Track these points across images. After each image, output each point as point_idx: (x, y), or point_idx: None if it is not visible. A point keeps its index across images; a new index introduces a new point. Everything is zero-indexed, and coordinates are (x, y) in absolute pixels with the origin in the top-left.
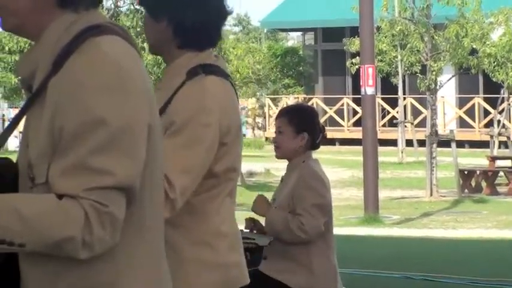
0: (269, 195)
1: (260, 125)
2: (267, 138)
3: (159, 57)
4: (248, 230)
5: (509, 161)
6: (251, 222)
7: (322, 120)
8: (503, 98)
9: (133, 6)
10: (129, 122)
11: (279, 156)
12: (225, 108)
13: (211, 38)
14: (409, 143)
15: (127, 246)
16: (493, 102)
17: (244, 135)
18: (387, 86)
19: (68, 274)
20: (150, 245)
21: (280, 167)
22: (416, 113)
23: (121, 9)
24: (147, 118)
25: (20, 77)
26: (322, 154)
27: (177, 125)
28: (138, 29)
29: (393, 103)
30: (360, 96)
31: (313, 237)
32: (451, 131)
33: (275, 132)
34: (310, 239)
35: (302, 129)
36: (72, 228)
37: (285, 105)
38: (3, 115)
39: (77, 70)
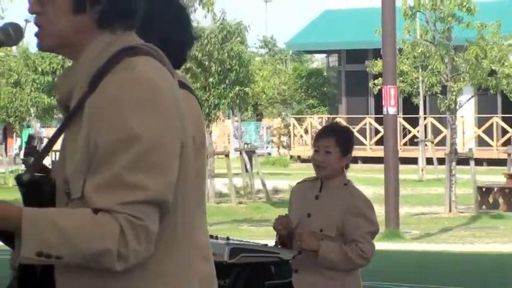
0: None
1: (285, 143)
2: (291, 157)
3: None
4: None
5: None
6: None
7: None
8: None
9: None
10: (163, 138)
11: (323, 175)
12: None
13: None
14: (429, 161)
15: (158, 258)
16: (511, 122)
17: (269, 153)
18: (408, 106)
19: (103, 286)
20: (180, 257)
21: None
22: (436, 132)
23: None
24: (180, 135)
25: (57, 98)
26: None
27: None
28: None
29: (414, 122)
30: (382, 116)
31: (370, 262)
32: (470, 149)
33: (316, 150)
34: (368, 264)
35: (348, 151)
36: (108, 241)
37: (309, 125)
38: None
39: (112, 88)
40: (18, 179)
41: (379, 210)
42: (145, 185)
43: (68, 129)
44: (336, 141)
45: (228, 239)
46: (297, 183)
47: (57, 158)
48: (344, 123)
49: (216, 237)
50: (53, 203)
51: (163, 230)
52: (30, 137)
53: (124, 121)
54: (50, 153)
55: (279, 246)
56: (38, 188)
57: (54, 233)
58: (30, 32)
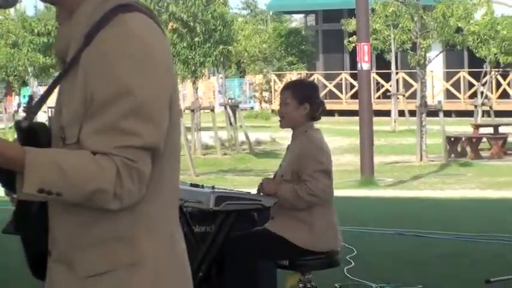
0: (275, 162)
1: (267, 98)
2: (272, 111)
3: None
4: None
5: (492, 128)
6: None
7: (322, 93)
8: (486, 71)
9: None
10: (155, 90)
11: (284, 125)
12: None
13: None
14: (401, 113)
15: (146, 199)
16: (476, 76)
17: (252, 108)
18: (381, 62)
19: (93, 225)
20: (166, 201)
21: (284, 136)
22: (407, 86)
23: None
24: (170, 90)
25: (55, 50)
26: (322, 124)
27: None
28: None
29: (387, 77)
30: (356, 71)
31: (325, 198)
32: (439, 102)
33: (279, 104)
34: (322, 201)
35: (304, 100)
36: (105, 181)
37: (289, 81)
38: (34, 92)
39: (106, 43)
40: (17, 124)
41: (355, 160)
42: (139, 132)
43: (65, 81)
44: (292, 93)
45: (213, 187)
46: None
47: (53, 114)
48: (321, 78)
49: (202, 186)
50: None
51: (152, 174)
52: (30, 98)
53: (118, 75)
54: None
55: (261, 194)
56: (35, 134)
57: (56, 171)
58: None
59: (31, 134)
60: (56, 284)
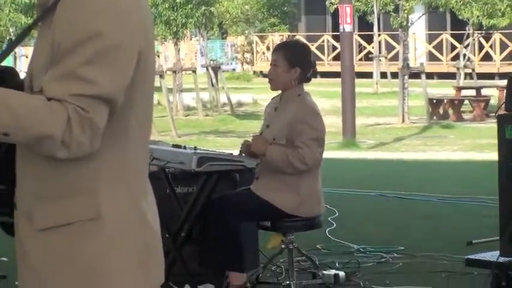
0: (256, 123)
1: (248, 60)
2: (254, 72)
3: None
4: (238, 153)
5: (474, 90)
6: (246, 147)
7: None
8: (468, 34)
9: None
10: (120, 41)
11: (274, 88)
12: None
13: None
14: (383, 75)
15: (108, 155)
16: (459, 38)
17: (234, 69)
18: (363, 24)
19: (54, 178)
20: (131, 158)
21: (266, 97)
22: (389, 48)
23: None
24: (139, 44)
25: (37, 2)
26: (305, 86)
27: None
28: None
29: (369, 39)
30: (338, 33)
31: (312, 167)
32: (421, 64)
33: (270, 65)
34: (309, 169)
35: (295, 63)
36: (54, 126)
37: (271, 43)
38: (15, 52)
39: None
40: None
41: (337, 122)
42: (97, 81)
43: (40, 29)
44: (284, 55)
45: (195, 148)
46: (271, 99)
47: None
48: (303, 40)
49: (185, 147)
50: None
51: (113, 127)
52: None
53: (85, 23)
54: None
55: (243, 155)
56: (3, 78)
57: (5, 111)
58: None
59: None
60: (20, 236)
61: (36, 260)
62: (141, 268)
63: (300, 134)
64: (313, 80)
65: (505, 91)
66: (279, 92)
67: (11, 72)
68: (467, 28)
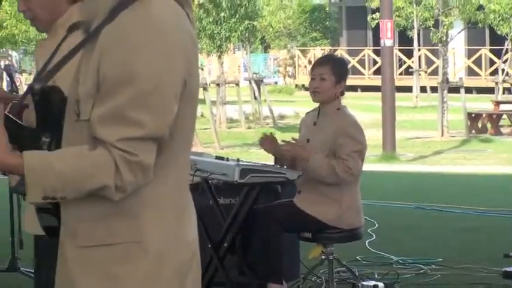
0: (297, 135)
1: (290, 73)
2: (296, 85)
3: None
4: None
5: None
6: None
7: None
8: (507, 49)
9: None
10: (164, 79)
11: (318, 99)
12: None
13: None
14: (423, 89)
15: (152, 184)
16: (498, 53)
17: (276, 82)
18: (404, 39)
19: (99, 201)
20: (174, 181)
21: (307, 110)
22: (429, 62)
23: None
24: (183, 74)
25: (81, 19)
26: (345, 99)
27: None
28: None
29: (409, 54)
30: (379, 47)
31: (357, 178)
32: (460, 78)
33: (312, 78)
34: (354, 181)
35: (341, 78)
36: (104, 178)
37: (312, 57)
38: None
39: (125, 25)
40: (30, 86)
41: (377, 135)
42: (144, 122)
43: (85, 50)
44: (331, 69)
45: (238, 160)
46: (305, 114)
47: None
48: (345, 54)
49: (227, 159)
50: (61, 112)
51: (159, 160)
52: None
53: (129, 62)
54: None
55: (285, 167)
56: (47, 97)
57: (55, 178)
58: None
59: (44, 97)
60: (63, 247)
61: (76, 274)
62: None
63: (343, 146)
64: (353, 93)
65: None
66: (316, 105)
67: (56, 90)
68: (505, 43)
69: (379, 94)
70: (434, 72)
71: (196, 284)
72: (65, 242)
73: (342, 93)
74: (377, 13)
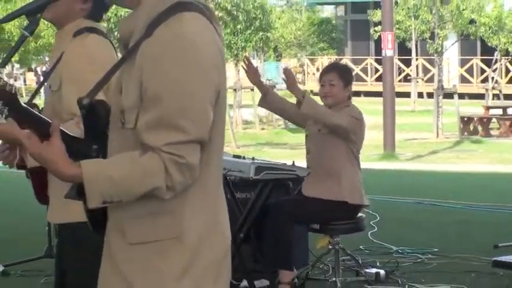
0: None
1: (300, 80)
2: (305, 91)
3: None
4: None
5: (501, 109)
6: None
7: None
8: (496, 59)
9: None
10: (201, 90)
11: (329, 103)
12: (109, 59)
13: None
14: (420, 95)
15: (193, 183)
16: (488, 63)
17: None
18: (403, 49)
19: (145, 199)
20: (210, 180)
21: None
22: (426, 71)
23: None
24: (217, 85)
25: (119, 36)
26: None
27: (72, 73)
28: None
29: (408, 63)
30: (381, 57)
31: (349, 128)
32: (454, 85)
33: (322, 85)
34: (344, 128)
35: (348, 83)
36: (156, 181)
37: (320, 65)
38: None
39: (162, 40)
40: (79, 101)
41: (379, 136)
42: (187, 128)
43: (125, 64)
44: (338, 75)
45: (253, 159)
46: None
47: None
48: (349, 63)
49: (244, 158)
50: (106, 124)
51: (201, 160)
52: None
53: (169, 75)
54: (106, 83)
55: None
56: (95, 111)
57: (111, 186)
58: None
59: (92, 110)
60: (111, 246)
61: (125, 268)
62: (217, 280)
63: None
64: (357, 98)
65: None
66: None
67: (102, 104)
68: (495, 54)
69: (380, 99)
70: (431, 80)
71: (229, 273)
72: (112, 241)
73: (349, 98)
74: (379, 26)
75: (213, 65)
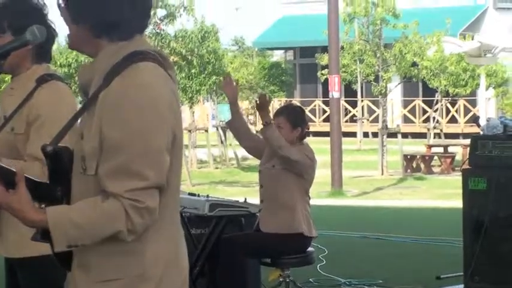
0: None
1: (252, 121)
2: (257, 131)
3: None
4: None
5: (442, 148)
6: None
7: None
8: (437, 100)
9: (155, 30)
10: (157, 136)
11: None
12: (74, 103)
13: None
14: (365, 134)
15: (154, 223)
16: (429, 103)
17: None
18: (349, 91)
19: (109, 238)
20: (169, 215)
21: None
22: (371, 111)
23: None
24: (173, 129)
25: (79, 84)
26: None
27: (42, 118)
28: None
29: (354, 104)
30: (328, 99)
31: (302, 161)
32: (398, 125)
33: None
34: (299, 163)
35: (297, 124)
36: (117, 225)
37: (271, 106)
38: None
39: (118, 92)
40: (43, 149)
41: (326, 174)
42: (146, 174)
43: (86, 112)
44: (286, 118)
45: (207, 196)
46: None
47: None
48: (298, 104)
49: (198, 195)
50: (70, 167)
51: (160, 202)
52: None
53: (127, 125)
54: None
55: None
56: (59, 158)
57: (76, 231)
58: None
59: (56, 157)
60: (76, 282)
61: None
62: None
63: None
64: (307, 138)
65: (468, 149)
66: None
67: (66, 150)
68: (436, 95)
69: (328, 139)
70: (375, 120)
71: None
72: (76, 278)
73: (302, 137)
74: (326, 69)
75: (169, 110)
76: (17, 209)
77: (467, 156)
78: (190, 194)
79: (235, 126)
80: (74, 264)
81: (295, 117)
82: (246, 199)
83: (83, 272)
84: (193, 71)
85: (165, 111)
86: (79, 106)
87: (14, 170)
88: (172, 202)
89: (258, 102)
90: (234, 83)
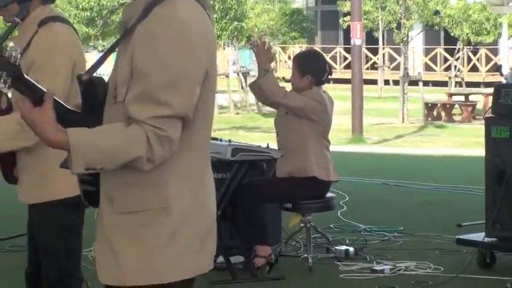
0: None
1: (273, 67)
2: (278, 78)
3: None
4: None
5: (463, 96)
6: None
7: None
8: (459, 48)
9: None
10: (189, 68)
11: (292, 89)
12: (73, 45)
13: None
14: (386, 82)
15: (177, 155)
16: (451, 52)
17: None
18: (370, 39)
19: (131, 170)
20: (195, 155)
21: None
22: (392, 59)
23: None
24: (205, 66)
25: (122, 20)
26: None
27: (36, 65)
28: None
29: (375, 52)
30: (349, 46)
31: (302, 106)
32: (419, 73)
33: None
34: (299, 108)
35: (305, 72)
36: (138, 150)
37: (291, 53)
38: None
39: (155, 22)
40: (78, 77)
41: (347, 121)
42: (171, 103)
43: (122, 45)
44: (295, 65)
45: (230, 141)
46: None
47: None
48: (319, 51)
49: (221, 140)
50: (104, 99)
51: (184, 135)
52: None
53: (158, 52)
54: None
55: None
56: (94, 87)
57: (96, 152)
58: None
59: (90, 86)
60: (101, 214)
61: (112, 237)
62: (201, 251)
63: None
64: (327, 85)
65: (490, 97)
66: None
67: (100, 82)
68: (458, 44)
69: (348, 86)
70: (397, 68)
71: (214, 247)
72: (103, 210)
73: (320, 82)
74: (348, 16)
75: (203, 46)
76: (39, 124)
77: (490, 105)
78: (213, 138)
79: (264, 87)
80: (101, 197)
81: (303, 65)
82: (268, 144)
83: (109, 204)
84: (215, 16)
85: (200, 45)
86: (79, 47)
87: (44, 89)
88: (198, 139)
89: (256, 47)
90: (267, 49)
